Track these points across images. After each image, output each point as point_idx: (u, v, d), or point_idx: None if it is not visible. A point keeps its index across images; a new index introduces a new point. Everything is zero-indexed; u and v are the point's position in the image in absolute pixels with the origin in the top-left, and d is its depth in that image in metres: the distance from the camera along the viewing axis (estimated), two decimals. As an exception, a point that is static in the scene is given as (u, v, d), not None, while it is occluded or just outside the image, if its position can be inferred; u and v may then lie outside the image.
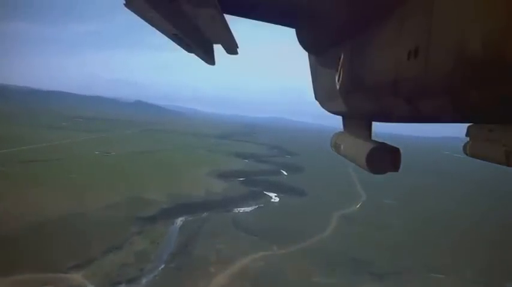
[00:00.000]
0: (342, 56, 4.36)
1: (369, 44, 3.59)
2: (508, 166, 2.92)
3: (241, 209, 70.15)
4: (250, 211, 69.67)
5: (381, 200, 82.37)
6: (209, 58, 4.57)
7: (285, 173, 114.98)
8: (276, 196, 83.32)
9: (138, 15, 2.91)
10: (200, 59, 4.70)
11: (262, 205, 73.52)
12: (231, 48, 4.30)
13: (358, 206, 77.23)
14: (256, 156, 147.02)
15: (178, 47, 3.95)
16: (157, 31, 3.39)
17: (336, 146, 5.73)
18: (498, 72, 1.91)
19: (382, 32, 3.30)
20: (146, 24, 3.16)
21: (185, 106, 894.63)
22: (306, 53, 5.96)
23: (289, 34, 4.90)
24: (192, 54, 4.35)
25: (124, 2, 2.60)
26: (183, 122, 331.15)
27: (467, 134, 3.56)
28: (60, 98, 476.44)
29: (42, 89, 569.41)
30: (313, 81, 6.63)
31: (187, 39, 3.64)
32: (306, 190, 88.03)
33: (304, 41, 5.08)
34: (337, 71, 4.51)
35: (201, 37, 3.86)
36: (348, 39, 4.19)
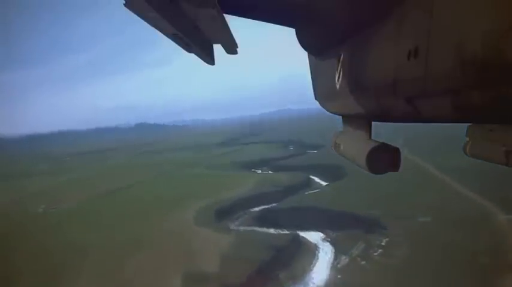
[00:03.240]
0: (342, 56, 4.27)
1: (369, 44, 3.47)
2: (508, 166, 2.82)
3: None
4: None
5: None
6: (209, 58, 4.21)
7: (319, 181, 73.88)
8: (324, 240, 42.91)
9: (138, 16, 2.76)
10: (198, 61, 4.42)
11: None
12: (231, 48, 4.23)
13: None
14: (271, 161, 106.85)
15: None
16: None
17: (335, 146, 5.48)
18: (498, 73, 1.86)
19: (381, 32, 3.21)
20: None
21: (188, 119, 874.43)
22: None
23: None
24: (190, 58, 4.17)
25: (124, 2, 2.50)
26: (184, 135, 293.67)
27: (467, 134, 3.44)
28: (61, 138, 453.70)
29: (43, 132, 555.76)
30: (313, 81, 6.49)
31: (187, 39, 3.40)
32: (382, 221, 46.35)
33: (304, 41, 4.90)
34: (337, 71, 4.43)
35: (201, 37, 3.72)
36: (347, 39, 4.06)
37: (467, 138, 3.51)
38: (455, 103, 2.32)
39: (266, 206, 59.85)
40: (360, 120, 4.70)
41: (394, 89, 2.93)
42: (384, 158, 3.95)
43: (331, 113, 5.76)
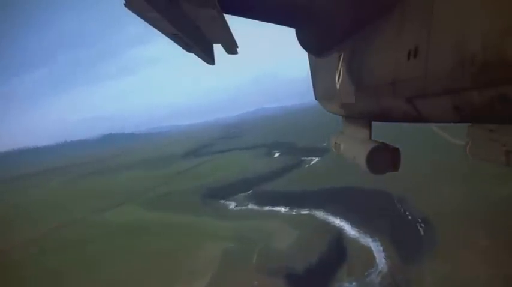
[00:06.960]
0: (342, 56, 4.16)
1: (369, 44, 3.36)
2: (508, 166, 2.78)
3: None
4: None
5: None
6: (209, 58, 4.09)
7: (367, 245, 31.97)
8: None
9: (138, 16, 2.67)
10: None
11: None
12: (231, 48, 4.07)
13: None
14: (254, 181, 65.28)
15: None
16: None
17: (335, 146, 5.32)
18: (498, 72, 1.81)
19: (382, 32, 3.10)
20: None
21: (161, 125, 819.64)
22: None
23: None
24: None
25: (124, 2, 2.43)
26: (154, 143, 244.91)
27: (467, 134, 3.44)
28: (19, 156, 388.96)
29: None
30: (313, 81, 6.33)
31: (187, 39, 3.29)
32: None
33: (304, 41, 4.69)
34: (337, 71, 4.30)
35: (201, 37, 3.61)
36: (348, 39, 3.93)
37: (468, 139, 3.33)
38: (455, 103, 2.24)
39: None
40: (360, 121, 4.49)
41: (394, 89, 2.83)
42: (384, 158, 3.81)
43: (331, 113, 5.54)
